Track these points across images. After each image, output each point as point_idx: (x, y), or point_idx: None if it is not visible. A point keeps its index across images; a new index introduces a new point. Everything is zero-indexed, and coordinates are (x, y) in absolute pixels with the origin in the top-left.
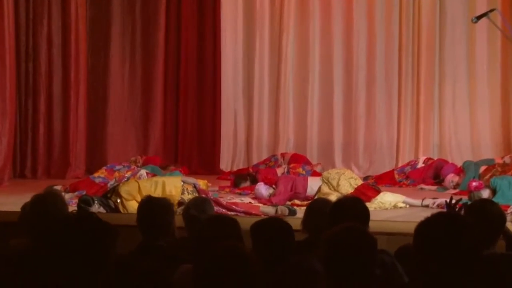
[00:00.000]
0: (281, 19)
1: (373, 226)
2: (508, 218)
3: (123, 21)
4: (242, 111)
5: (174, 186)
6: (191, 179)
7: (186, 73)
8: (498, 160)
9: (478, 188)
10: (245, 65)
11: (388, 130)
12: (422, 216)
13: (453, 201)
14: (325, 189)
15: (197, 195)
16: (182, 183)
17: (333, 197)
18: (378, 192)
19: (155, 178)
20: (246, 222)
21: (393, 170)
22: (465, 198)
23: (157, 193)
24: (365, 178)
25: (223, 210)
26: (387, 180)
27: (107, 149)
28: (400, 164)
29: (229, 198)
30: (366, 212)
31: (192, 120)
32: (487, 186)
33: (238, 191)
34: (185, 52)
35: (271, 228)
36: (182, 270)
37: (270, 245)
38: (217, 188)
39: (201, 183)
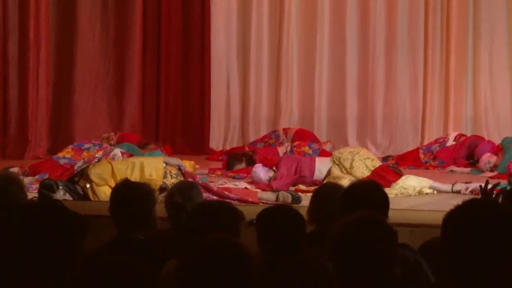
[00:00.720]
0: None
1: (393, 216)
2: None
3: None
4: (237, 78)
5: (155, 169)
6: (175, 160)
7: (168, 31)
8: None
9: None
10: (240, 22)
11: (412, 101)
12: (452, 204)
13: (490, 186)
14: (336, 171)
15: (182, 179)
16: (164, 164)
17: (346, 181)
18: (399, 175)
19: (131, 159)
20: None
21: (417, 148)
22: (503, 182)
23: (134, 177)
24: (384, 159)
25: (214, 197)
26: (411, 161)
27: (74, 124)
28: (426, 142)
29: (220, 183)
30: (385, 200)
31: (176, 89)
32: None
33: (232, 174)
34: (167, 6)
35: (282, 217)
36: (170, 268)
37: (279, 238)
38: (206, 171)
39: (187, 165)
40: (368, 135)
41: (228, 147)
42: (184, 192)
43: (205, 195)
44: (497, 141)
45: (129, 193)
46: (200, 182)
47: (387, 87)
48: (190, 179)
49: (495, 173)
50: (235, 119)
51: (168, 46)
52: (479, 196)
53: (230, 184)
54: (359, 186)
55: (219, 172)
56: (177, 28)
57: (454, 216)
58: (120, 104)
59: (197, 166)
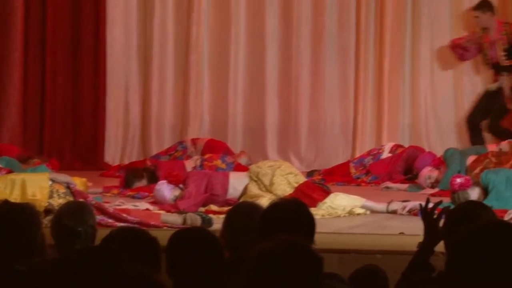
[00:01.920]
0: None
1: (320, 240)
2: None
3: None
4: (137, 78)
5: (39, 187)
6: (63, 177)
7: (55, 23)
8: (492, 148)
9: (464, 186)
10: (141, 13)
11: (342, 106)
12: (388, 226)
13: (431, 205)
14: (254, 189)
15: (71, 199)
16: (50, 182)
17: (265, 200)
18: (327, 193)
19: (11, 176)
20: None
21: (348, 162)
22: (446, 201)
23: (14, 197)
24: (309, 174)
25: (109, 220)
26: (340, 177)
27: None
28: (357, 154)
29: (117, 204)
30: (310, 221)
31: (65, 92)
32: (477, 184)
33: (131, 193)
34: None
35: (197, 242)
36: None
37: (193, 267)
38: (100, 189)
39: (78, 183)
40: (290, 146)
41: (126, 161)
42: (74, 214)
43: (99, 217)
44: (439, 152)
45: (9, 216)
46: (93, 202)
47: (313, 90)
48: (81, 199)
49: (436, 189)
50: (134, 128)
51: (55, 40)
52: (418, 216)
53: (128, 205)
54: (281, 205)
55: (115, 191)
56: (66, 19)
57: (470, 240)
58: None
59: (90, 184)
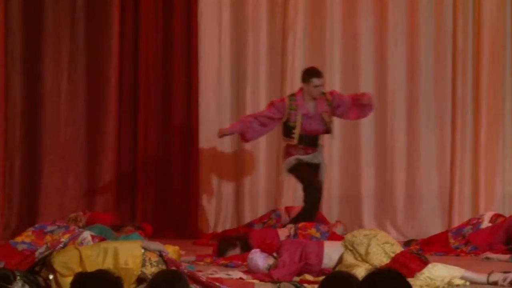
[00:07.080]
0: (286, 16)
1: None
2: None
3: (58, 22)
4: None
5: (132, 255)
6: (155, 245)
7: (147, 89)
8: None
9: None
10: (234, 68)
11: (439, 172)
12: None
13: None
14: (349, 258)
15: (164, 267)
16: (143, 250)
17: (361, 270)
18: (425, 263)
19: (103, 244)
20: None
21: (447, 231)
22: None
23: (107, 265)
24: (406, 243)
25: None
26: (439, 247)
27: (36, 201)
28: (456, 223)
29: (210, 272)
30: None
31: (156, 158)
32: None
33: (224, 261)
34: (144, 58)
35: None
36: None
37: None
38: (193, 258)
39: (170, 251)
40: (387, 214)
41: (219, 229)
42: (167, 283)
43: (192, 287)
44: None
45: (92, 285)
46: (186, 271)
47: (409, 156)
48: (173, 268)
49: None
50: (228, 195)
51: (147, 106)
52: None
53: (221, 274)
54: (377, 276)
55: (208, 259)
56: (158, 85)
57: None
58: (91, 177)
59: (182, 252)
